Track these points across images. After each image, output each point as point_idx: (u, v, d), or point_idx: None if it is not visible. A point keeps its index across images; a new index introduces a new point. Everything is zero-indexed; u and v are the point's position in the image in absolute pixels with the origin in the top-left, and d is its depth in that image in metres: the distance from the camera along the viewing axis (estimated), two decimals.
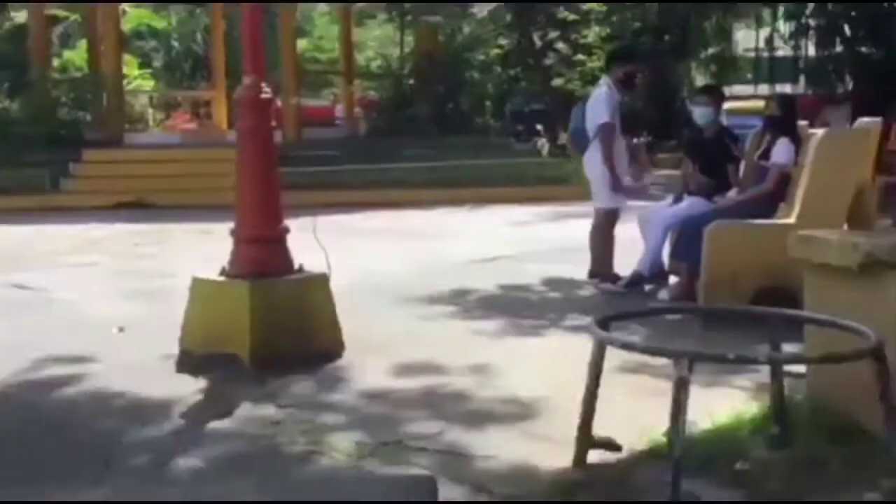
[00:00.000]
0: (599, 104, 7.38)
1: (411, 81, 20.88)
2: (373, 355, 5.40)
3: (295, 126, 18.08)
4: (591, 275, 7.58)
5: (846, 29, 26.92)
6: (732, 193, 7.11)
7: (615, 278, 7.42)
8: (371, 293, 7.32)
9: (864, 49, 26.39)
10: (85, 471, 3.71)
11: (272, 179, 5.41)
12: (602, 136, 7.36)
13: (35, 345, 5.74)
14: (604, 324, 2.99)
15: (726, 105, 9.62)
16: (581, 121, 7.58)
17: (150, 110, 22.95)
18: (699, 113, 7.46)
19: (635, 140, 26.98)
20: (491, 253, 9.48)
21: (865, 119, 7.29)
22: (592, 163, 7.51)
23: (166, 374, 5.09)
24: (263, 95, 5.34)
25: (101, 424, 4.31)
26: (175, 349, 5.33)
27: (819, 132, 6.76)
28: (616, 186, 7.39)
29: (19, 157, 15.52)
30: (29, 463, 3.81)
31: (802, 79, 32.00)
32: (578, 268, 7.83)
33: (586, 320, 6.08)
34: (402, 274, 8.42)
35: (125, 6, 24.16)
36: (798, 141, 6.80)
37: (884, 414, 2.72)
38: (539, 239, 10.37)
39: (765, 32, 33.98)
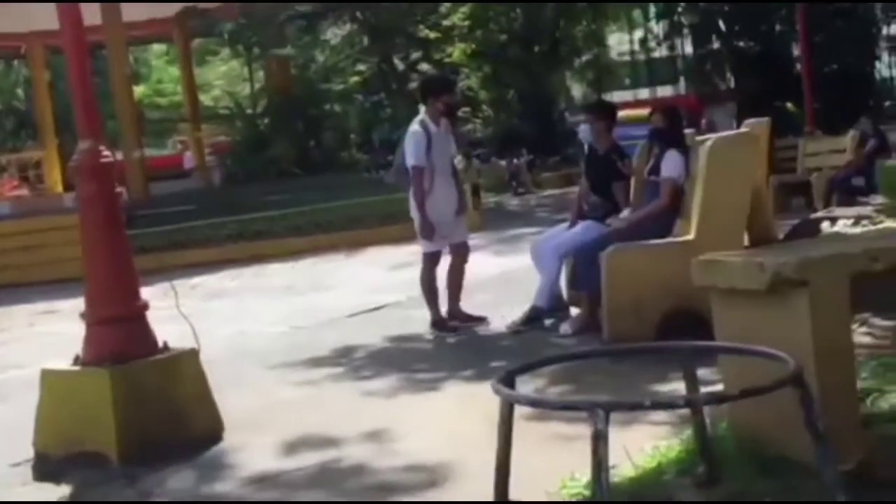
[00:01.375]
0: (407, 145, 7.51)
1: (266, 120, 20.79)
2: (256, 433, 5.31)
3: (141, 182, 17.76)
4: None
5: (721, 24, 28.00)
6: (627, 213, 7.28)
7: (443, 324, 7.60)
8: (246, 361, 7.22)
9: (741, 44, 27.50)
10: None
11: (122, 251, 5.29)
12: (412, 180, 7.48)
13: None
14: (508, 379, 3.00)
15: None
16: (401, 158, 7.71)
17: None
18: (582, 130, 7.68)
19: (515, 160, 27.51)
20: (374, 302, 9.45)
21: (753, 119, 7.59)
22: (411, 205, 7.65)
23: (23, 484, 4.89)
24: (103, 159, 5.22)
25: None
26: (30, 454, 5.13)
27: (708, 139, 6.98)
28: (425, 233, 7.48)
29: None
30: None
31: (682, 79, 33.20)
32: (473, 309, 7.88)
33: (486, 366, 6.19)
34: (277, 335, 8.33)
35: None
36: (687, 150, 7.02)
37: (812, 442, 2.81)
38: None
39: (638, 34, 35.10)
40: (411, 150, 7.44)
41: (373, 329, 8.09)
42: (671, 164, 6.96)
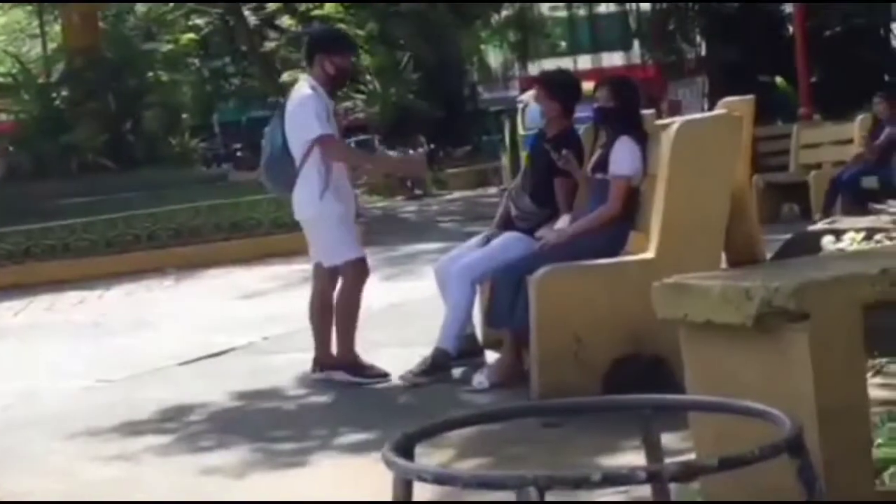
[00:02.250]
0: (305, 113, 7.43)
1: (64, 93, 20.50)
2: None
3: None
4: (320, 364, 7.68)
5: None
6: (563, 223, 7.36)
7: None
8: (36, 429, 7.11)
9: None
10: None
11: None
12: (328, 151, 7.45)
13: None
14: (405, 446, 2.99)
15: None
16: (280, 141, 7.60)
17: None
18: (533, 110, 7.75)
19: (410, 151, 27.67)
20: (215, 344, 9.39)
21: (732, 98, 7.72)
22: (307, 200, 7.56)
23: None
24: None
25: None
26: None
27: (673, 123, 7.10)
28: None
29: None
30: None
31: (636, 44, 33.69)
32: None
33: (373, 432, 6.19)
34: (80, 393, 8.22)
35: None
36: (644, 139, 7.12)
37: None
38: (287, 315, 10.32)
39: None
40: (311, 118, 7.37)
41: (214, 382, 8.03)
42: (623, 156, 7.05)
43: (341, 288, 7.69)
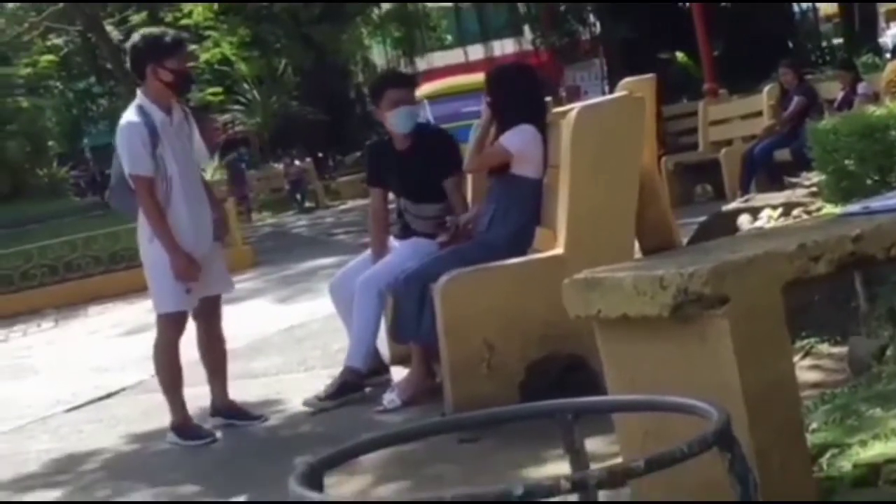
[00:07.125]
0: (120, 144, 7.15)
1: None
2: None
3: None
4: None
5: None
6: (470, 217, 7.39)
7: (187, 428, 7.29)
8: None
9: None
10: None
11: None
12: (139, 195, 7.07)
13: None
14: (313, 477, 2.98)
15: (428, 88, 9.81)
16: (121, 170, 7.24)
17: None
18: (398, 118, 7.62)
19: (297, 162, 27.57)
20: (103, 386, 9.32)
21: (631, 78, 7.80)
22: (140, 241, 7.30)
23: None
24: None
25: None
26: None
27: (571, 109, 7.13)
28: (182, 271, 7.03)
29: None
30: None
31: (526, 29, 33.88)
32: (252, 381, 7.82)
33: (280, 464, 6.16)
34: None
35: None
36: (544, 129, 7.14)
37: None
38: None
39: None
40: (124, 151, 7.08)
41: (106, 426, 7.96)
42: (513, 134, 7.03)
43: (154, 344, 7.39)
